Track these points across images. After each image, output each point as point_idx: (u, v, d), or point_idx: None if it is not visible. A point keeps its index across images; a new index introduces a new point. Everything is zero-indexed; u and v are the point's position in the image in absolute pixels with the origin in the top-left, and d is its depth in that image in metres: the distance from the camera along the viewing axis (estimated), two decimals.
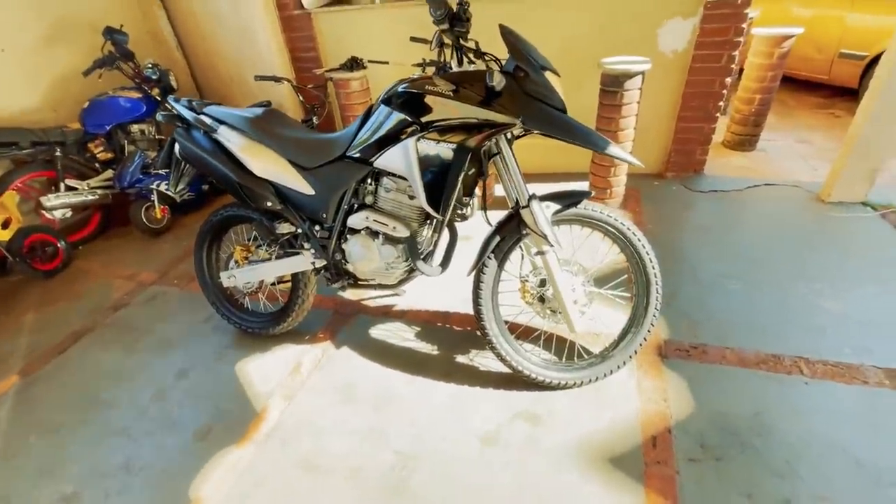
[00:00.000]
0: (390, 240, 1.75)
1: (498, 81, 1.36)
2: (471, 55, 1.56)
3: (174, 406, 1.91)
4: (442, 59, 1.69)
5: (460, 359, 1.99)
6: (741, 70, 3.43)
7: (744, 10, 2.58)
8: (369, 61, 3.15)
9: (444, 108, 1.46)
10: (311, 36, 3.58)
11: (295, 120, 1.96)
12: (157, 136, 3.39)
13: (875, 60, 3.72)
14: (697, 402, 1.69)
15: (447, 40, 1.52)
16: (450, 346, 2.05)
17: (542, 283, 1.75)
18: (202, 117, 1.82)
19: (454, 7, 1.40)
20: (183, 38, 3.98)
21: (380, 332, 2.18)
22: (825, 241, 2.47)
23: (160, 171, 3.09)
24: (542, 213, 1.57)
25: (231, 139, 1.78)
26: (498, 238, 1.65)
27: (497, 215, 1.70)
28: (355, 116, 3.22)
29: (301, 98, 3.29)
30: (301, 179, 1.75)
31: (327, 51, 3.67)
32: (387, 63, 3.19)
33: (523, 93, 1.42)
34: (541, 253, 1.62)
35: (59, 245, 2.98)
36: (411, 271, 1.83)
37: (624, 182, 2.87)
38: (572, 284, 1.68)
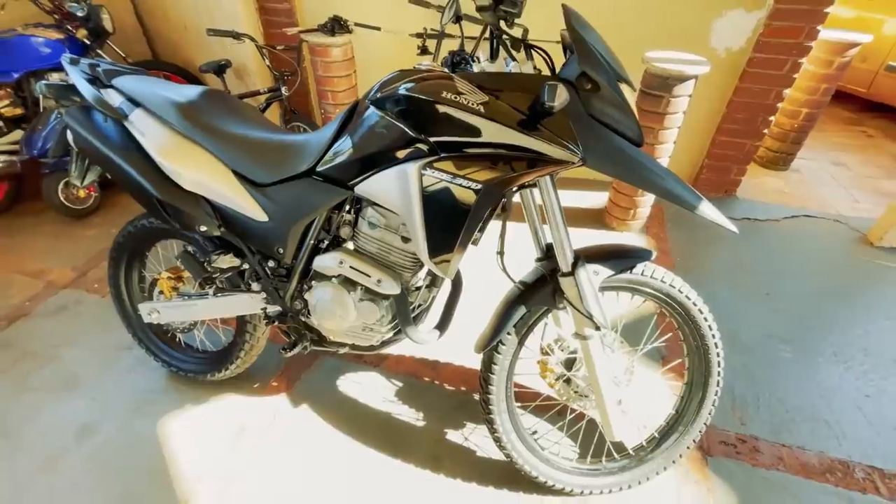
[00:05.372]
0: (372, 294, 1.27)
1: (560, 101, 0.86)
2: (511, 48, 1.06)
3: (66, 487, 1.42)
4: (461, 45, 1.20)
5: (452, 436, 1.56)
6: None
7: (824, 8, 2.10)
8: (356, 24, 2.54)
9: (466, 128, 0.96)
10: None
11: (251, 107, 1.40)
12: None
13: None
14: None
15: (481, 21, 1.01)
16: (439, 415, 1.62)
17: (571, 364, 1.33)
18: (107, 94, 1.25)
19: None
20: None
21: (350, 384, 1.73)
22: (879, 301, 2.13)
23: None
24: (592, 287, 1.12)
25: (148, 132, 1.22)
26: (524, 310, 1.19)
27: (512, 262, 1.24)
28: (333, 93, 2.63)
29: (268, 62, 2.66)
30: (250, 200, 1.23)
31: (306, 5, 2.99)
32: (378, 29, 2.57)
33: (587, 115, 0.95)
34: (581, 337, 1.18)
35: None
36: (399, 331, 1.37)
37: (651, 202, 2.44)
38: (615, 375, 1.25)
